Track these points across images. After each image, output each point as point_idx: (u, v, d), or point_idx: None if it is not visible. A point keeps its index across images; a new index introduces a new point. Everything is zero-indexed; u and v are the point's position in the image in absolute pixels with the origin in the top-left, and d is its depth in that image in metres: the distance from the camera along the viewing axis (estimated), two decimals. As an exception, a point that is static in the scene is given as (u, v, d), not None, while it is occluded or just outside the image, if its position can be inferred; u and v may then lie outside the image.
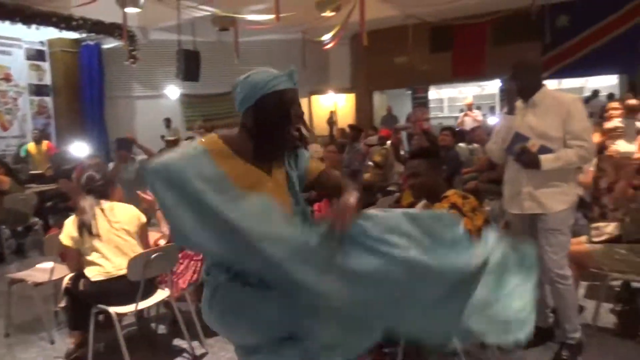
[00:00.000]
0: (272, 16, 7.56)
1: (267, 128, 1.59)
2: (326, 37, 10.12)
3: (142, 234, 3.15)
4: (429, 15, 10.74)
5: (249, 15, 9.23)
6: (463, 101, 12.65)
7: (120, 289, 2.90)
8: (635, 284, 3.20)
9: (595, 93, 11.77)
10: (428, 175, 2.71)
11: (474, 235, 2.58)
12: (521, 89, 2.84)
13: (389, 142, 7.20)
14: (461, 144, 6.61)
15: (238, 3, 9.04)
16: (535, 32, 10.72)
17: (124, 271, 2.87)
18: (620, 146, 4.32)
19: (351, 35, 12.01)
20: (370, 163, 6.59)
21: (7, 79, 11.10)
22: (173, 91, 12.39)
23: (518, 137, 2.76)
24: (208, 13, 8.95)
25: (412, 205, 3.98)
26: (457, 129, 7.46)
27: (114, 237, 2.99)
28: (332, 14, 9.13)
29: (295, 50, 12.08)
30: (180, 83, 11.39)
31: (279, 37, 12.33)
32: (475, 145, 6.40)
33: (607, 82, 13.34)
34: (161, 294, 3.15)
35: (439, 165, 2.83)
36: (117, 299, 2.91)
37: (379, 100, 14.03)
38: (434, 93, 14.31)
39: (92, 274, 2.93)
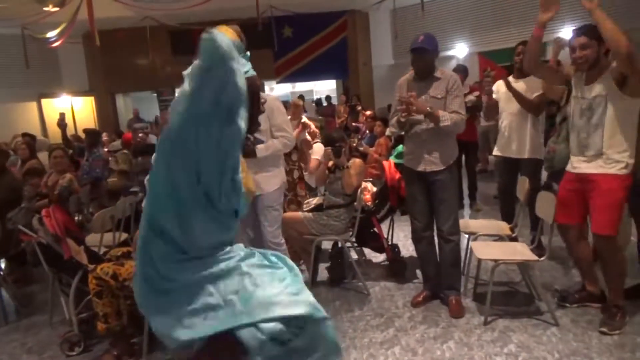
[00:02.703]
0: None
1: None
2: (52, 34, 9.19)
3: None
4: (166, 18, 10.80)
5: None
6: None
7: None
8: (340, 244, 4.03)
9: (328, 98, 13.79)
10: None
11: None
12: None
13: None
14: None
15: None
16: (267, 41, 11.94)
17: None
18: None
19: (84, 33, 11.17)
20: (114, 168, 6.33)
21: None
22: None
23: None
24: None
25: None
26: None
27: None
28: (56, 9, 8.39)
29: (16, 47, 10.58)
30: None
31: (-8, 31, 10.61)
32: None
33: (330, 86, 15.73)
34: None
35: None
36: None
37: (124, 104, 13.41)
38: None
39: None
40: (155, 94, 13.43)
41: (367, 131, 6.80)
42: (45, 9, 8.39)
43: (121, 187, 6.34)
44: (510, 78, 4.09)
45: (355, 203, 3.75)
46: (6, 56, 11.21)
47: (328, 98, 13.69)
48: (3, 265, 4.46)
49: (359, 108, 7.72)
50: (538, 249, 3.30)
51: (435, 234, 3.38)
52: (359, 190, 3.75)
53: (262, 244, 3.37)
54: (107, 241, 3.86)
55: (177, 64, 12.36)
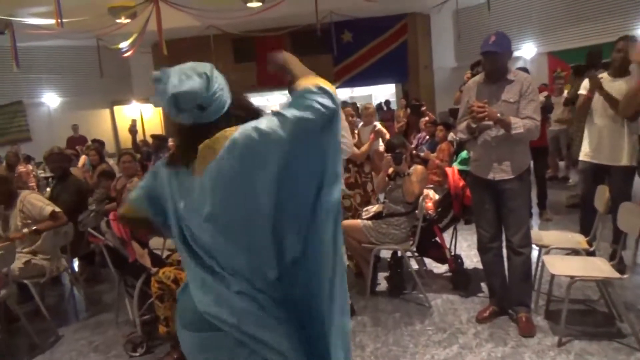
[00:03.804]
0: (52, 21, 6.93)
1: None
2: (124, 45, 9.68)
3: None
4: (229, 27, 11.09)
5: (27, 18, 8.31)
6: (271, 109, 13.33)
7: None
8: (399, 253, 3.89)
9: (387, 103, 13.65)
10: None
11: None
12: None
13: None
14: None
15: (13, 3, 8.07)
16: (326, 46, 11.99)
17: None
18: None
19: (152, 43, 11.70)
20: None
21: None
22: None
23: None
24: (-25, 14, 7.81)
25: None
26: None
27: None
28: (127, 20, 8.81)
29: (91, 58, 11.27)
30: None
31: (70, 43, 11.35)
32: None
33: (389, 91, 15.53)
34: None
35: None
36: None
37: (189, 110, 13.91)
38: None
39: None
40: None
41: (428, 136, 6.59)
42: (118, 20, 8.82)
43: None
44: (605, 76, 3.70)
45: (416, 211, 3.61)
46: (82, 66, 11.96)
47: (387, 103, 13.51)
48: (76, 265, 4.70)
49: (424, 108, 7.47)
50: (619, 265, 3.02)
51: (503, 245, 3.18)
52: (421, 198, 3.60)
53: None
54: (169, 244, 3.96)
55: (239, 71, 12.69)
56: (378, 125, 4.52)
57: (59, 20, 6.51)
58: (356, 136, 4.40)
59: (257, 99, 15.97)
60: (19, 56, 8.72)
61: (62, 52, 11.88)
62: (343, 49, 12.64)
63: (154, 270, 3.04)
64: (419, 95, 12.28)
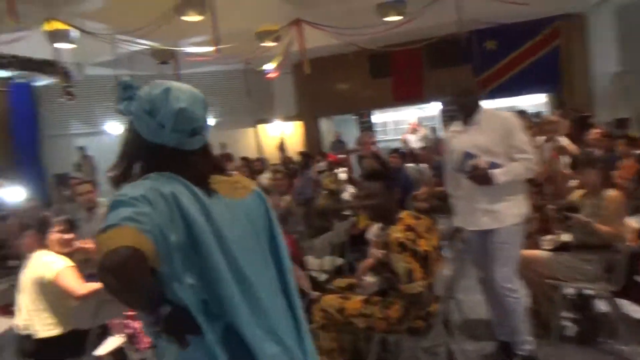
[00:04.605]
0: (212, 48, 7.50)
1: None
2: (268, 67, 10.17)
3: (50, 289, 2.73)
4: (366, 43, 11.07)
5: (188, 47, 9.13)
6: (408, 124, 13.01)
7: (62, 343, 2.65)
8: (588, 292, 3.29)
9: (537, 114, 12.55)
10: (382, 197, 2.71)
11: (434, 254, 2.60)
12: (462, 110, 2.95)
13: (342, 168, 7.24)
14: (410, 165, 6.75)
15: (177, 36, 8.93)
16: (466, 56, 11.33)
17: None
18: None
19: (294, 63, 12.16)
20: (323, 191, 6.56)
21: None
22: (114, 127, 11.96)
23: (467, 155, 2.83)
24: (146, 47, 8.78)
25: (367, 227, 3.97)
26: (402, 151, 7.62)
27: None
28: (273, 44, 9.23)
29: (238, 81, 12.06)
30: (122, 118, 11.02)
31: (221, 68, 12.28)
32: (423, 165, 6.53)
33: (535, 101, 14.20)
34: (115, 341, 2.92)
35: (392, 187, 2.84)
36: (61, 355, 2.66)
37: (327, 126, 14.20)
38: (379, 117, 14.65)
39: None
40: (355, 117, 13.91)
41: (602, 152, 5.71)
42: (264, 44, 9.29)
43: (328, 208, 6.53)
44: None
45: (615, 243, 3.00)
46: (230, 88, 12.88)
47: (537, 114, 12.32)
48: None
49: (591, 120, 6.56)
50: None
51: None
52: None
53: (492, 287, 2.91)
54: (320, 265, 3.85)
55: (375, 86, 12.61)
56: (563, 140, 3.93)
57: (217, 47, 6.97)
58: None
59: (392, 114, 15.77)
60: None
61: (214, 77, 12.89)
62: (486, 58, 11.86)
63: (315, 295, 2.90)
64: (576, 105, 10.98)
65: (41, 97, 11.66)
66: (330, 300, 2.76)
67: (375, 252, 2.83)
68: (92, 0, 7.36)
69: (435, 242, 2.66)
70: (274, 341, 1.27)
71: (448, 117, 11.41)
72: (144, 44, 8.38)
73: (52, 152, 11.76)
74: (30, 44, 7.49)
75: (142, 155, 1.30)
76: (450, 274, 2.79)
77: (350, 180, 6.27)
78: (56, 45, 7.22)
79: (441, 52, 11.38)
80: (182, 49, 9.09)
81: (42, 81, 11.14)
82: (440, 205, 4.79)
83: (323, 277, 3.38)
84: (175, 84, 1.32)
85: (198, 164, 1.29)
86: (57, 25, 6.88)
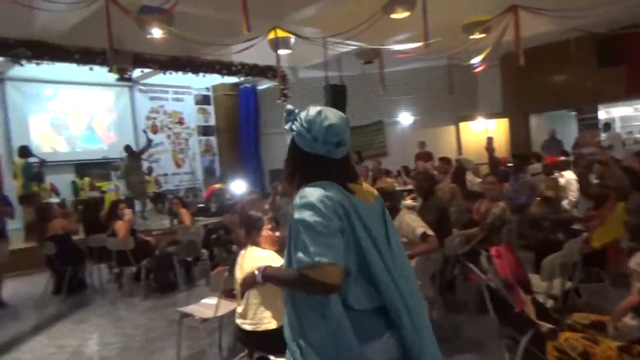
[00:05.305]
0: (420, 44, 7.34)
1: None
2: (475, 60, 9.55)
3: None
4: (594, 26, 9.52)
5: (393, 45, 9.14)
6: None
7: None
8: None
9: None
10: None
11: None
12: None
13: (564, 172, 6.35)
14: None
15: (382, 35, 9.01)
16: None
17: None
18: None
19: (501, 56, 11.26)
20: (538, 198, 5.80)
21: (181, 122, 13.07)
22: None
23: None
24: (354, 48, 9.07)
25: (605, 248, 3.34)
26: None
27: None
28: (482, 35, 8.61)
29: (440, 77, 11.67)
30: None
31: (423, 65, 12.07)
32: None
33: None
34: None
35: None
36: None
37: (536, 124, 12.83)
38: (602, 113, 12.61)
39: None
40: (573, 113, 12.21)
41: None
42: (471, 37, 8.74)
43: (541, 216, 5.77)
44: None
45: None
46: (431, 85, 12.56)
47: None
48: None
49: None
50: None
51: None
52: None
53: None
54: (548, 288, 3.33)
55: (602, 76, 10.80)
56: None
57: (426, 42, 6.78)
58: None
59: (624, 109, 13.40)
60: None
61: (415, 74, 12.77)
62: None
63: (547, 328, 2.48)
64: None
65: (262, 99, 13.13)
66: (574, 341, 2.30)
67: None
68: (308, 8, 7.89)
69: None
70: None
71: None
72: (353, 44, 8.67)
73: (269, 150, 13.12)
74: (256, 51, 8.41)
75: (300, 162, 1.61)
76: None
77: (583, 191, 5.37)
78: (278, 51, 7.95)
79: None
80: (389, 47, 9.15)
81: (265, 85, 12.55)
82: None
83: (549, 302, 2.90)
84: (326, 108, 1.61)
85: (341, 170, 1.59)
86: (280, 33, 7.57)
